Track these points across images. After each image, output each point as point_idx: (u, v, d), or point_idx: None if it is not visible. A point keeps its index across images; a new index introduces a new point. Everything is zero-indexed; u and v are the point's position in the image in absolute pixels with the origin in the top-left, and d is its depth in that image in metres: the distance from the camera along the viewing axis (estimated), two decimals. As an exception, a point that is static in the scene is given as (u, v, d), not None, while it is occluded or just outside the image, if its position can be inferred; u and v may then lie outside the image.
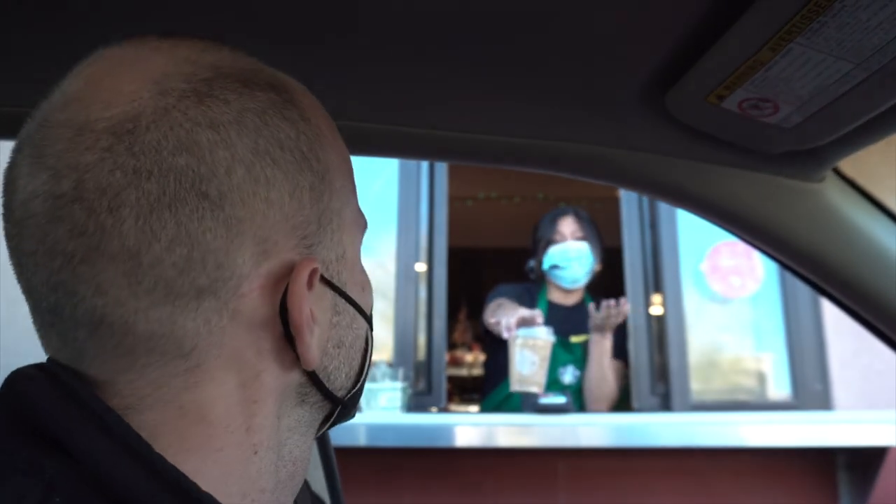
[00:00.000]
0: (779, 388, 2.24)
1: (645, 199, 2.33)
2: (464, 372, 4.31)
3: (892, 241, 0.66)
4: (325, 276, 0.38)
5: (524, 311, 1.80)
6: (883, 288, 0.67)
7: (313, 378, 0.38)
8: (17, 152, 0.35)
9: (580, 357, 2.01)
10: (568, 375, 1.99)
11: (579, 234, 2.02)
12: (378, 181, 2.29)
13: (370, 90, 0.63)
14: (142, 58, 0.35)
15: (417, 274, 2.28)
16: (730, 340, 2.32)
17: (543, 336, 1.77)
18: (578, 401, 1.98)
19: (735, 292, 2.30)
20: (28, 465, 0.31)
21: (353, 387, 0.42)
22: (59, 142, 0.32)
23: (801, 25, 0.43)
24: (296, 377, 0.37)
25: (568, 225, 2.04)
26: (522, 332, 1.77)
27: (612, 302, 1.87)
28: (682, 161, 0.68)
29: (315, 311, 0.37)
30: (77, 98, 0.33)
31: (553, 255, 2.02)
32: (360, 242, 0.43)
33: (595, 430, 1.79)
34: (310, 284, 0.36)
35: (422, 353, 2.25)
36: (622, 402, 2.07)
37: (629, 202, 2.34)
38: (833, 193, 0.67)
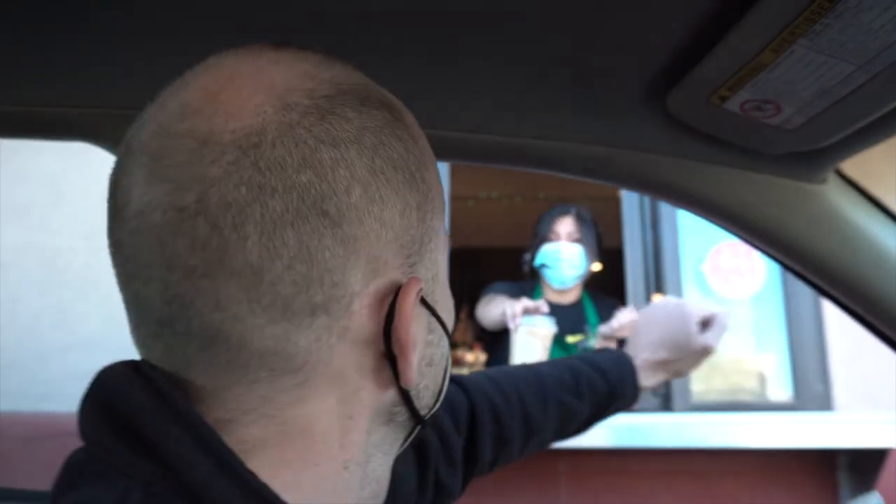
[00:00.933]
0: (780, 388, 2.24)
1: (646, 199, 2.33)
2: (465, 371, 4.32)
3: (894, 243, 0.66)
4: (423, 294, 0.38)
5: (528, 301, 1.80)
6: (884, 289, 0.67)
7: (405, 397, 0.38)
8: (127, 157, 0.34)
9: None
10: None
11: (576, 235, 1.99)
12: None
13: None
14: (261, 70, 0.35)
15: (418, 273, 2.27)
16: (731, 341, 2.32)
17: (546, 325, 1.77)
18: None
19: (736, 293, 2.31)
20: (127, 465, 0.32)
21: (433, 405, 0.42)
22: (180, 153, 0.32)
23: (803, 27, 0.43)
24: (390, 395, 0.38)
25: (566, 225, 2.01)
26: (526, 320, 1.77)
27: (623, 313, 1.79)
28: (683, 162, 0.68)
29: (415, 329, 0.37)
30: (197, 109, 0.33)
31: (544, 254, 2.00)
32: (446, 262, 0.43)
33: (596, 430, 1.78)
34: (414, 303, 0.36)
35: (423, 353, 2.25)
36: (623, 403, 2.06)
37: (630, 202, 2.34)
38: (835, 195, 0.67)
